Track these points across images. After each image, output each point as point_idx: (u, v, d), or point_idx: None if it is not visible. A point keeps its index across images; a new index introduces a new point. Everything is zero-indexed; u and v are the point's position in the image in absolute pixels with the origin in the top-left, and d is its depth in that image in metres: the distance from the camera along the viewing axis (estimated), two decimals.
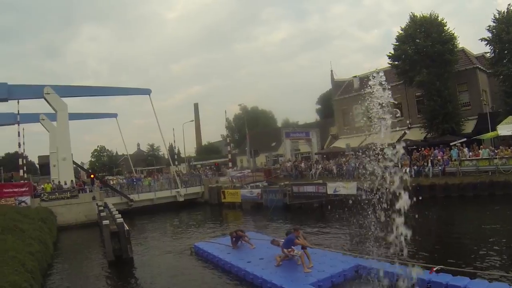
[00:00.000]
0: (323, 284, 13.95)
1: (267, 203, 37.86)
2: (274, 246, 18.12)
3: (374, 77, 12.57)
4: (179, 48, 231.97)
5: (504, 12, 40.33)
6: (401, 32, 45.44)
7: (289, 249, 16.02)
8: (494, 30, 40.50)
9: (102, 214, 29.64)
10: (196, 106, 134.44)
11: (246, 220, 34.87)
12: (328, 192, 35.00)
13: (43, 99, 42.41)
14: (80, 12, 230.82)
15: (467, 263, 15.61)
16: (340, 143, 56.26)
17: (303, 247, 16.11)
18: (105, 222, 23.57)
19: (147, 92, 51.92)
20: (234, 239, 20.79)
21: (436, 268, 13.38)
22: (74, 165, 48.40)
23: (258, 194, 40.26)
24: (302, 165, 50.14)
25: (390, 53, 46.36)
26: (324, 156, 55.89)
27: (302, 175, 47.40)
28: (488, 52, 43.86)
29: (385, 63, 49.23)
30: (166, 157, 70.73)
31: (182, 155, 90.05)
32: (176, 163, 72.12)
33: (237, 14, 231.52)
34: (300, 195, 37.27)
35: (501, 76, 40.96)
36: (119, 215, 25.80)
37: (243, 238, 20.84)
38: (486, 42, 41.52)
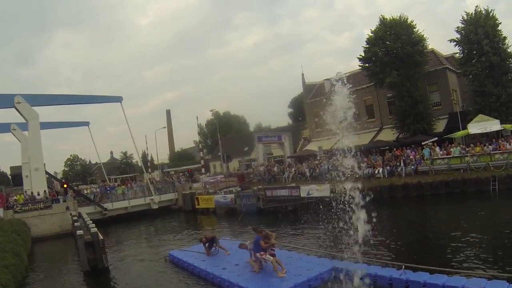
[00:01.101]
0: None
1: (241, 208, 37.49)
2: (246, 251, 17.94)
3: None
4: (152, 54, 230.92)
5: (472, 13, 40.99)
6: (371, 34, 45.64)
7: (262, 253, 15.79)
8: (462, 31, 41.12)
9: (76, 224, 29.33)
10: (168, 112, 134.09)
11: (220, 226, 34.68)
12: (302, 195, 35.04)
13: (14, 108, 41.60)
14: (53, 18, 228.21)
15: (443, 261, 15.62)
16: (313, 146, 56.52)
17: (271, 254, 15.91)
18: (79, 232, 23.23)
19: (118, 99, 51.38)
20: (206, 244, 20.63)
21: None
22: (47, 175, 47.63)
23: (232, 199, 40.12)
24: (275, 169, 50.13)
25: (360, 55, 46.55)
26: (297, 159, 55.90)
27: (275, 179, 47.45)
28: (457, 53, 44.24)
29: (356, 65, 49.40)
30: (140, 164, 70.14)
31: (156, 162, 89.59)
32: (150, 170, 71.64)
33: (210, 19, 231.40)
34: (274, 199, 37.24)
35: (471, 76, 41.54)
36: (93, 225, 25.54)
37: (216, 243, 20.69)
38: (455, 43, 42.16)
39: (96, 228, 23.56)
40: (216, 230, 31.75)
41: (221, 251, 20.35)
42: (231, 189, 45.48)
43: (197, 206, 44.54)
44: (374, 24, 47.16)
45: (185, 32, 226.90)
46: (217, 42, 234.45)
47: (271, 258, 15.49)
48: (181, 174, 72.39)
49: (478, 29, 39.41)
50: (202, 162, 66.16)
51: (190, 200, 46.14)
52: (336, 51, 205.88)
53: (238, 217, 31.53)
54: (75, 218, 33.53)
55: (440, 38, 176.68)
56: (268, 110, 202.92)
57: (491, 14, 40.41)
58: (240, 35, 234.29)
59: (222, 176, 56.68)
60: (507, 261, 14.79)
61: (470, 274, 13.12)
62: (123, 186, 54.08)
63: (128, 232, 37.37)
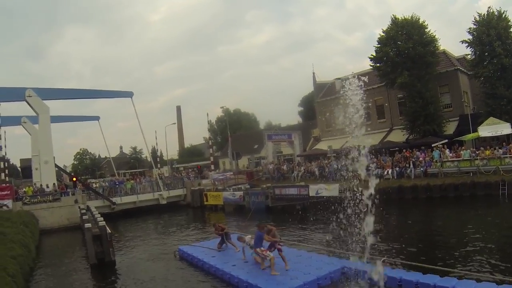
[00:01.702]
0: (309, 287, 13.92)
1: (249, 206, 37.50)
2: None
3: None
4: (163, 51, 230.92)
5: (484, 14, 40.68)
6: (382, 34, 45.46)
7: (262, 249, 15.95)
8: (474, 33, 40.83)
9: (84, 217, 29.31)
10: (178, 108, 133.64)
11: (228, 223, 34.62)
12: (310, 194, 34.96)
13: (25, 102, 41.76)
14: (64, 13, 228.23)
15: (449, 263, 15.81)
16: (322, 145, 56.28)
17: (279, 250, 16.19)
18: (87, 225, 23.34)
19: (129, 95, 51.55)
20: (219, 238, 20.89)
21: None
22: (57, 168, 47.80)
23: (240, 197, 40.07)
24: (284, 167, 50.23)
25: (372, 55, 46.34)
26: (307, 158, 55.85)
27: (284, 177, 47.55)
28: (469, 54, 43.85)
29: (367, 65, 49.34)
30: (149, 160, 70.26)
31: (165, 158, 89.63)
32: (159, 165, 71.64)
33: (221, 16, 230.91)
34: (282, 197, 37.14)
35: (482, 78, 41.21)
36: (101, 218, 25.55)
37: (228, 239, 20.80)
38: (467, 44, 41.92)
39: (104, 222, 23.70)
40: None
41: (230, 247, 20.40)
42: (240, 186, 45.52)
43: (205, 203, 44.60)
44: (385, 24, 47.31)
45: (197, 28, 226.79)
46: (229, 39, 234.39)
47: (271, 255, 15.59)
48: (190, 170, 72.40)
49: (490, 31, 39.17)
50: (212, 158, 65.92)
51: (199, 197, 46.23)
52: (347, 51, 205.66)
53: (246, 215, 31.60)
54: (84, 211, 33.74)
55: (452, 39, 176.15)
56: (279, 109, 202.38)
57: (503, 16, 40.08)
58: (251, 32, 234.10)
59: (231, 173, 56.65)
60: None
61: (474, 277, 13.13)
62: (132, 181, 54.20)
63: (136, 226, 37.53)
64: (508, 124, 36.18)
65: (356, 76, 13.91)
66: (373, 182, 12.14)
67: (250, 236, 18.13)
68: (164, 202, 46.88)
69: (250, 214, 31.27)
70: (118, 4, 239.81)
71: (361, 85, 13.31)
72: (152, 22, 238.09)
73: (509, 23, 40.10)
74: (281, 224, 27.13)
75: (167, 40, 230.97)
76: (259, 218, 31.55)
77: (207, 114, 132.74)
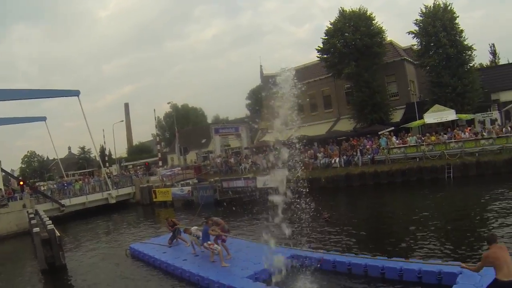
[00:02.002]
0: (260, 276, 13.96)
1: (198, 200, 37.11)
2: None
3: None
4: (111, 48, 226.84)
5: (430, 7, 41.57)
6: (330, 26, 45.67)
7: (210, 243, 15.91)
8: (421, 24, 41.67)
9: (33, 221, 28.39)
10: (126, 105, 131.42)
11: (178, 218, 34.14)
12: (258, 186, 34.68)
13: None
14: (9, 11, 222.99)
15: (397, 246, 16.38)
16: (270, 137, 56.00)
17: (222, 239, 16.36)
18: (35, 229, 22.57)
19: (76, 93, 49.98)
20: (171, 233, 20.70)
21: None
22: (3, 173, 46.35)
23: (189, 192, 39.72)
24: (232, 160, 49.83)
25: (319, 46, 46.52)
26: (254, 150, 55.59)
27: (232, 170, 47.11)
28: (415, 45, 44.93)
29: (315, 57, 49.32)
30: (98, 159, 69.06)
31: (114, 157, 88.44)
32: (108, 164, 70.54)
33: (170, 12, 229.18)
34: (230, 190, 37.03)
35: (428, 67, 42.21)
36: (50, 222, 24.64)
37: (178, 234, 20.60)
38: (413, 35, 42.73)
39: (52, 225, 22.79)
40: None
41: (181, 242, 20.26)
42: (188, 181, 45.04)
43: (154, 200, 44.00)
44: (334, 16, 47.47)
45: (145, 24, 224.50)
46: (177, 35, 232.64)
47: (219, 248, 15.78)
48: (138, 167, 71.71)
49: (436, 22, 39.96)
50: (159, 155, 65.34)
51: (148, 194, 45.52)
52: (296, 43, 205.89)
53: (196, 209, 31.20)
54: (32, 215, 32.70)
55: (400, 31, 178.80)
56: (227, 102, 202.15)
57: (449, 8, 40.99)
58: (200, 27, 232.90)
59: (179, 168, 56.07)
60: (459, 245, 15.36)
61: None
62: (80, 182, 53.14)
63: (86, 228, 36.45)
64: (452, 111, 37.08)
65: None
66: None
67: (196, 227, 18.22)
68: (113, 201, 45.78)
69: (199, 209, 30.88)
70: (66, 1, 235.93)
71: (294, 78, 13.22)
72: (100, 19, 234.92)
73: (454, 14, 41.03)
74: (231, 217, 27.49)
75: (115, 37, 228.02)
76: (208, 212, 31.22)
77: (154, 110, 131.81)
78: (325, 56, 46.44)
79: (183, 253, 18.18)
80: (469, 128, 36.36)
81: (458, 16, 41.20)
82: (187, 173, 51.29)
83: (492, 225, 17.82)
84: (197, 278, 14.60)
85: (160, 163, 63.19)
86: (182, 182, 45.01)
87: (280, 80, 13.56)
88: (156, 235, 24.74)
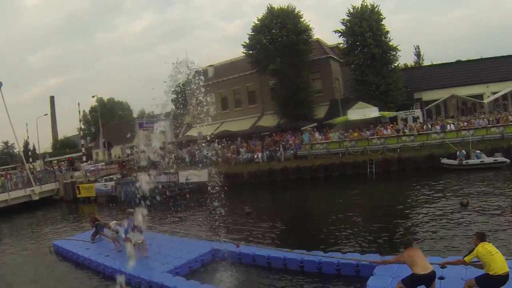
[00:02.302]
0: (181, 271, 13.90)
1: (121, 196, 36.30)
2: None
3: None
4: (37, 38, 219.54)
5: (358, 7, 42.49)
6: (257, 22, 45.65)
7: (133, 234, 15.74)
8: (348, 23, 42.52)
9: None
10: (52, 99, 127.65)
11: (101, 214, 33.45)
12: (180, 181, 34.79)
13: None
14: None
15: (319, 240, 16.51)
16: (193, 132, 55.84)
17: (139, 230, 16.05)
18: None
19: None
20: (93, 228, 20.03)
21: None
22: None
23: (112, 187, 39.10)
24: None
25: (245, 42, 46.39)
26: (178, 145, 55.18)
27: (156, 165, 46.12)
28: (341, 43, 45.58)
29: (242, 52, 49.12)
30: (21, 154, 66.83)
31: (38, 152, 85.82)
32: (31, 160, 68.34)
33: (100, 3, 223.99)
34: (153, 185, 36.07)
35: (353, 65, 43.02)
36: None
37: (100, 230, 19.81)
38: (340, 34, 43.63)
39: None
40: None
41: (104, 238, 19.61)
42: (111, 176, 44.12)
43: (78, 195, 42.68)
44: (263, 12, 47.60)
45: (74, 15, 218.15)
46: (106, 26, 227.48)
47: (142, 238, 15.80)
48: (62, 163, 69.82)
49: (363, 22, 40.84)
50: (83, 150, 63.75)
51: (71, 190, 44.09)
52: (226, 38, 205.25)
53: (119, 205, 30.72)
54: None
55: (330, 30, 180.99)
56: (153, 96, 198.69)
57: (376, 9, 42.13)
58: (129, 19, 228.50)
59: (103, 163, 54.95)
60: (378, 237, 15.75)
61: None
62: (2, 178, 51.25)
63: (8, 226, 35.01)
64: (376, 108, 37.86)
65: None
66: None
67: (115, 221, 18.05)
68: (36, 198, 44.00)
69: (124, 204, 30.44)
70: None
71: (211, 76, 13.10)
72: (26, 7, 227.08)
73: (381, 16, 42.30)
74: (153, 212, 26.66)
75: (42, 27, 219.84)
76: (131, 207, 30.70)
77: (79, 104, 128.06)
78: (251, 52, 46.35)
79: (106, 249, 17.74)
80: (391, 125, 37.44)
81: (384, 18, 42.61)
82: (111, 168, 50.27)
83: (411, 217, 18.49)
84: (119, 273, 14.04)
85: (84, 158, 61.66)
86: (105, 178, 43.99)
87: (205, 76, 13.39)
88: (79, 231, 23.82)
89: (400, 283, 9.08)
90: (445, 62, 51.94)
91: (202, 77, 13.90)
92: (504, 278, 8.18)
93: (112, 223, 17.79)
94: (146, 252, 15.33)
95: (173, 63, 13.00)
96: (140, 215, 16.44)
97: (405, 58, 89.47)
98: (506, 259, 8.71)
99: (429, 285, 8.86)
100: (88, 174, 48.19)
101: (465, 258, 8.82)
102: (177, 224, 23.64)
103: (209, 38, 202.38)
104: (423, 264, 8.80)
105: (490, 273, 8.19)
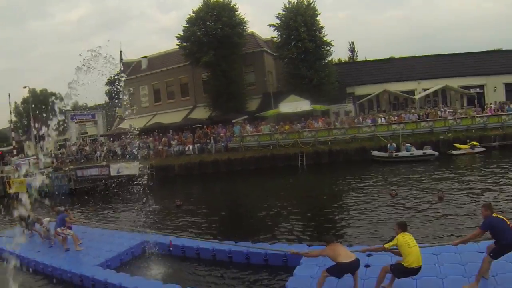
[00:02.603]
0: (112, 264, 13.82)
1: (53, 190, 35.48)
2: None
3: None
4: None
5: (294, 2, 42.94)
6: (192, 14, 45.39)
7: (63, 228, 15.58)
8: (283, 18, 42.84)
9: None
10: None
11: (34, 209, 32.57)
12: (112, 174, 33.86)
13: None
14: None
15: (250, 231, 16.71)
16: (126, 124, 55.12)
17: (69, 228, 15.99)
18: None
19: None
20: (22, 223, 19.44)
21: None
22: None
23: (44, 181, 37.76)
24: (87, 148, 48.28)
25: (179, 34, 46.09)
26: (111, 137, 54.42)
27: (88, 158, 45.58)
28: (276, 37, 45.83)
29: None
30: None
31: None
32: None
33: None
34: (85, 179, 35.84)
35: (286, 59, 43.48)
36: None
37: (30, 226, 19.10)
38: (274, 28, 43.96)
39: None
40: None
41: (35, 234, 19.04)
42: (43, 170, 43.04)
43: (9, 191, 40.98)
44: (198, 4, 47.36)
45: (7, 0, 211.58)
46: (41, 14, 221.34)
47: (71, 232, 15.65)
48: None
49: (298, 17, 41.24)
50: (14, 143, 61.98)
51: (1, 185, 42.89)
52: (162, 30, 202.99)
53: (51, 199, 30.08)
54: None
55: (265, 23, 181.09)
56: (87, 88, 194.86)
57: (312, 5, 42.76)
58: (66, 7, 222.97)
59: (35, 157, 53.59)
60: (307, 227, 16.11)
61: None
62: None
63: None
64: (307, 101, 38.33)
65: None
66: None
67: (48, 219, 17.81)
68: None
69: (55, 199, 29.85)
70: None
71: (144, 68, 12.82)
72: None
73: (316, 12, 42.98)
74: (86, 206, 27.18)
75: None
76: (63, 201, 30.27)
77: (9, 95, 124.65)
78: (185, 44, 46.10)
79: (37, 245, 17.40)
80: (322, 118, 38.00)
81: (319, 13, 43.33)
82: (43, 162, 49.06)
83: (340, 208, 18.98)
84: (50, 269, 14.12)
85: (15, 152, 59.95)
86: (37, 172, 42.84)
87: (139, 67, 13.16)
88: (10, 228, 23.22)
89: (325, 272, 9.26)
90: (379, 58, 53.02)
91: (123, 73, 13.64)
92: (416, 270, 8.73)
93: (45, 220, 17.52)
94: (79, 246, 15.11)
95: (79, 54, 12.65)
96: (69, 210, 16.29)
97: (341, 54, 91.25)
98: (428, 246, 9.79)
99: (353, 273, 9.23)
100: (19, 168, 47.00)
101: (385, 245, 9.14)
102: (108, 218, 23.24)
103: (145, 29, 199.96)
104: (345, 254, 9.13)
105: (405, 264, 8.67)
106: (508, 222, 8.30)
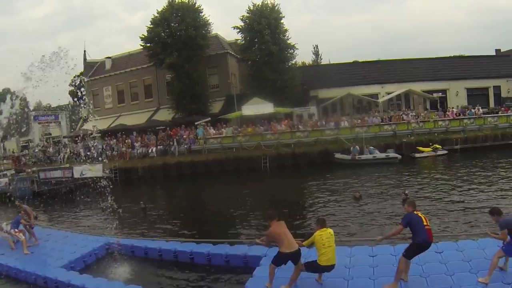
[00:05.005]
0: (75, 265, 13.72)
1: (16, 193, 35.03)
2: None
3: None
4: None
5: (258, 5, 43.14)
6: (156, 15, 45.26)
7: (16, 230, 15.56)
8: (247, 20, 43.15)
9: None
10: None
11: None
12: (75, 176, 33.42)
13: None
14: None
15: (211, 232, 16.77)
16: (90, 126, 54.63)
17: (31, 226, 16.14)
18: None
19: None
20: None
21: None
22: None
23: (6, 184, 37.03)
24: (51, 149, 47.66)
25: (143, 35, 45.93)
26: (75, 139, 53.89)
27: (51, 160, 44.99)
28: (240, 39, 46.07)
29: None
30: None
31: None
32: None
33: None
34: (48, 181, 35.10)
35: (250, 62, 43.85)
36: None
37: None
38: (238, 30, 44.17)
39: None
40: None
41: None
42: (5, 172, 42.37)
43: None
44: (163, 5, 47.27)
45: None
46: (6, 9, 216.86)
47: (23, 237, 15.47)
48: None
49: (262, 20, 41.46)
50: None
51: None
52: (128, 30, 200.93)
53: (13, 203, 29.80)
54: None
55: (230, 25, 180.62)
56: (51, 88, 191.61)
57: (276, 8, 43.09)
58: (32, 3, 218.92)
59: None
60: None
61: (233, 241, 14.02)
62: None
63: None
64: (270, 104, 38.62)
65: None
66: None
67: (5, 223, 17.07)
68: None
69: (15, 202, 29.55)
70: None
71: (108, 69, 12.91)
72: None
73: (281, 15, 43.36)
74: (49, 209, 26.61)
75: None
76: (26, 204, 29.99)
77: None
78: (149, 45, 45.96)
79: (1, 248, 16.67)
80: (286, 121, 38.05)
81: (284, 16, 43.77)
82: (4, 164, 48.20)
83: (302, 210, 19.42)
84: (14, 271, 13.93)
85: None
86: None
87: (103, 68, 13.23)
88: None
89: (272, 264, 9.69)
90: (343, 62, 53.64)
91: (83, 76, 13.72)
92: (329, 268, 9.31)
93: (3, 225, 16.91)
94: (27, 250, 15.02)
95: (31, 53, 12.70)
96: (31, 211, 16.22)
97: (305, 57, 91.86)
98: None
99: (296, 262, 9.54)
100: None
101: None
102: (72, 220, 23.11)
103: (111, 28, 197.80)
104: (288, 243, 9.42)
105: (318, 262, 9.23)
106: (425, 223, 8.66)
